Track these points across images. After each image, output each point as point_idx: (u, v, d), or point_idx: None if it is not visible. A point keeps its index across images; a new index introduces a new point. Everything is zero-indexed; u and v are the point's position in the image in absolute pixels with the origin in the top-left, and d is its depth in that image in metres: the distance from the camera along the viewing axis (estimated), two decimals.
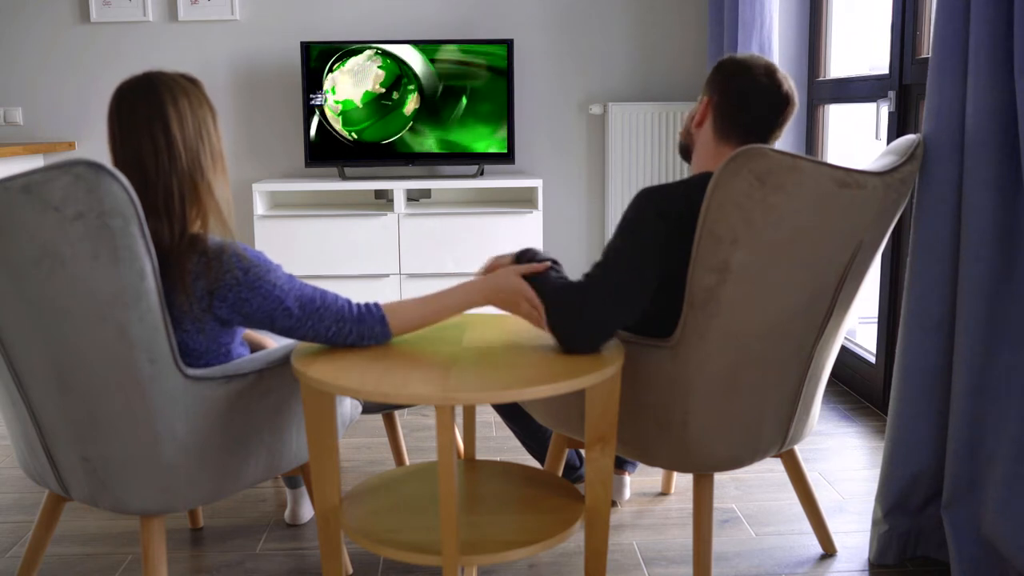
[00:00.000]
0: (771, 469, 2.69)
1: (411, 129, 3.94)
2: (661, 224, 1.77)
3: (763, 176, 1.65)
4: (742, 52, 1.92)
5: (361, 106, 3.92)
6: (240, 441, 1.81)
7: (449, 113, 3.94)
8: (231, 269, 1.69)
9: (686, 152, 2.01)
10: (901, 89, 2.94)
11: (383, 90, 3.91)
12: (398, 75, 3.90)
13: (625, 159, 4.10)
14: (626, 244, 1.77)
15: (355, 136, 3.93)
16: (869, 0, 3.57)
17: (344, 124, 3.93)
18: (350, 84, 3.90)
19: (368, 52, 3.88)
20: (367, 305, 1.78)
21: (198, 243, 1.70)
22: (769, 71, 1.87)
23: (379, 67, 3.89)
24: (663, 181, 4.12)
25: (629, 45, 4.18)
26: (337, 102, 3.91)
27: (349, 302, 1.77)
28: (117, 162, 1.73)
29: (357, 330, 1.76)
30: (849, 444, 2.89)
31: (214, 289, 1.69)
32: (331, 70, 3.89)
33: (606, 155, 4.14)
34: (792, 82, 1.90)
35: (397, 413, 2.69)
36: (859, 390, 3.35)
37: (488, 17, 4.13)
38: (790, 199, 1.66)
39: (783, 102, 1.87)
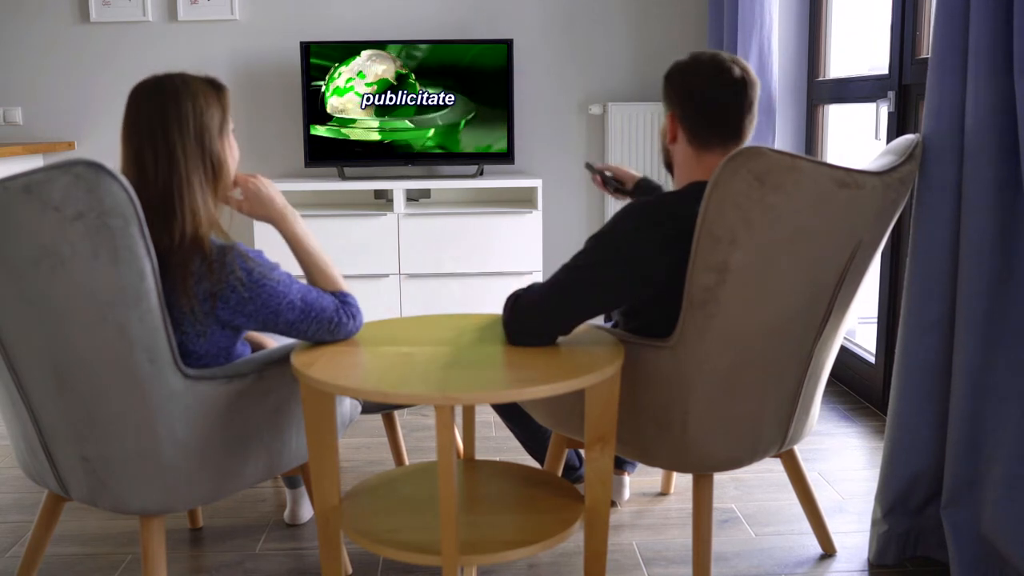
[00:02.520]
0: (771, 469, 2.69)
1: (411, 129, 3.94)
2: (644, 235, 1.77)
3: (762, 176, 1.65)
4: (688, 55, 1.91)
5: (361, 106, 3.92)
6: (240, 441, 1.81)
7: (449, 113, 3.94)
8: (235, 271, 1.69)
9: (667, 164, 2.01)
10: (901, 89, 2.94)
11: (383, 90, 3.91)
12: (399, 75, 3.90)
13: (625, 159, 4.10)
14: (587, 260, 1.80)
15: (355, 135, 3.93)
16: (869, 0, 3.57)
17: (344, 124, 3.93)
18: (350, 84, 3.90)
19: (368, 52, 3.88)
20: (339, 296, 1.83)
21: (200, 246, 1.70)
22: (716, 62, 1.86)
23: (380, 67, 3.89)
24: (662, 181, 4.12)
25: (629, 45, 4.18)
26: (339, 92, 3.91)
27: (332, 297, 1.82)
28: (123, 161, 1.74)
29: (352, 314, 1.82)
30: (849, 444, 2.89)
31: (216, 291, 1.69)
32: (331, 70, 3.89)
33: (606, 155, 4.14)
34: (745, 63, 1.89)
35: (397, 413, 2.69)
36: (859, 390, 3.35)
37: (488, 17, 4.14)
38: (789, 199, 1.66)
39: (741, 86, 1.85)
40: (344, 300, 1.82)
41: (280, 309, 1.73)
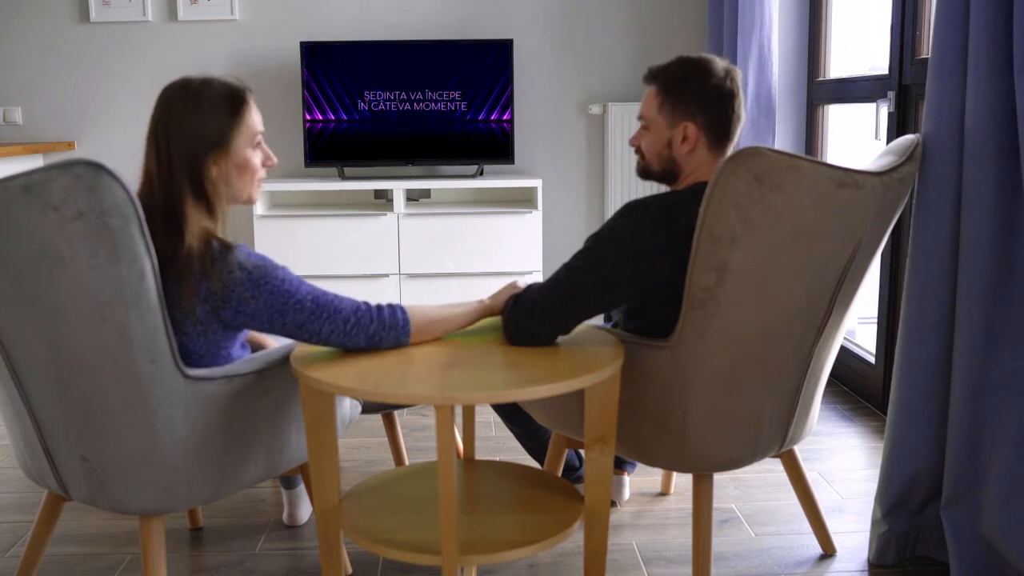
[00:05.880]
0: (771, 469, 2.69)
1: (410, 129, 3.94)
2: (644, 234, 1.77)
3: (761, 176, 1.65)
4: (680, 61, 1.91)
5: (361, 105, 3.92)
6: (239, 441, 1.81)
7: (448, 113, 3.94)
8: (234, 270, 1.69)
9: (658, 176, 1.96)
10: (901, 89, 2.94)
11: (383, 90, 3.91)
12: (398, 75, 3.90)
13: (624, 159, 4.10)
14: (587, 260, 1.80)
15: (354, 136, 3.93)
16: (869, 0, 3.57)
17: (342, 123, 3.93)
18: (349, 83, 3.90)
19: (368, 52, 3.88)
20: (388, 303, 1.78)
21: (203, 247, 1.70)
22: (719, 62, 1.88)
23: (379, 67, 3.89)
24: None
25: (629, 45, 4.19)
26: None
27: (366, 302, 1.78)
28: (144, 159, 1.77)
29: (378, 317, 1.75)
30: (849, 444, 2.89)
31: (218, 290, 1.69)
32: (330, 69, 3.89)
33: (606, 155, 4.15)
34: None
35: (396, 413, 2.69)
36: (859, 390, 3.35)
37: (488, 17, 4.14)
38: (788, 199, 1.66)
39: (740, 89, 1.90)
40: (378, 305, 1.77)
41: (286, 308, 1.71)
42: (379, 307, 1.76)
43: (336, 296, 1.75)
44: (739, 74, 1.90)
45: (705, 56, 1.89)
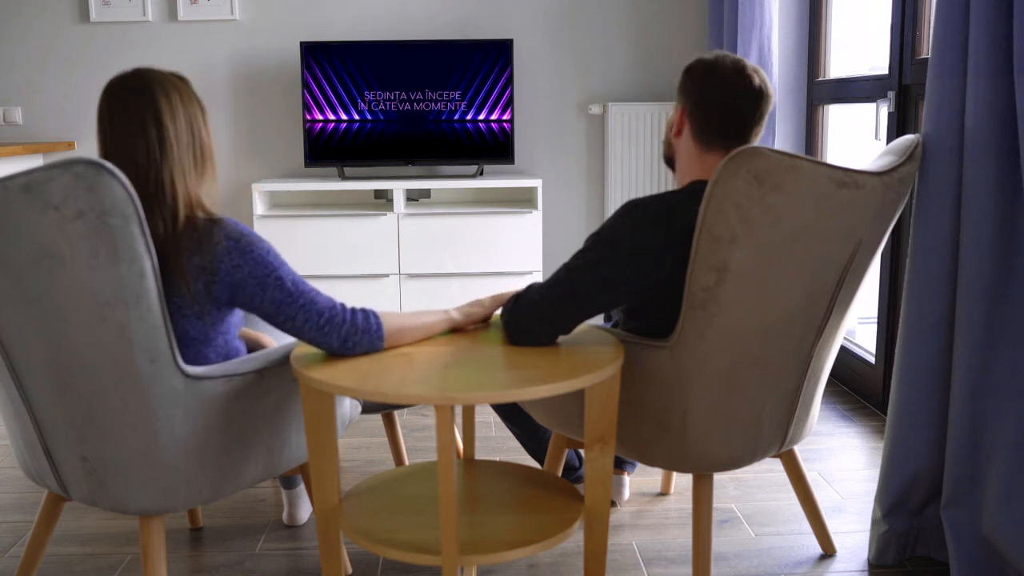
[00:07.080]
0: (771, 469, 2.69)
1: (410, 129, 3.94)
2: (644, 234, 1.77)
3: (761, 176, 1.65)
4: (711, 53, 1.91)
5: (361, 105, 3.92)
6: (239, 441, 1.81)
7: (448, 113, 3.94)
8: (221, 240, 1.71)
9: (671, 161, 2.00)
10: (901, 89, 2.94)
11: (383, 90, 3.91)
12: (398, 75, 3.90)
13: (625, 159, 4.10)
14: (587, 260, 1.80)
15: (354, 136, 3.93)
16: (869, 0, 3.57)
17: (342, 123, 3.93)
18: (349, 83, 3.90)
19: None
20: (361, 308, 1.78)
21: (190, 223, 1.71)
22: (738, 68, 1.86)
23: (379, 67, 3.89)
24: (663, 180, 4.12)
25: (629, 45, 4.19)
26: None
27: (342, 303, 1.78)
28: (107, 156, 1.74)
29: (351, 320, 1.73)
30: (849, 444, 2.89)
31: (208, 263, 1.69)
32: (330, 69, 3.89)
33: (606, 155, 4.15)
34: (764, 74, 1.89)
35: (396, 413, 2.69)
36: (859, 390, 3.35)
37: (488, 17, 4.14)
38: (788, 199, 1.66)
39: (756, 97, 1.86)
40: (352, 308, 1.77)
41: (268, 282, 1.72)
42: (352, 310, 1.75)
43: (315, 290, 1.77)
44: (759, 84, 1.85)
45: (733, 58, 1.87)
